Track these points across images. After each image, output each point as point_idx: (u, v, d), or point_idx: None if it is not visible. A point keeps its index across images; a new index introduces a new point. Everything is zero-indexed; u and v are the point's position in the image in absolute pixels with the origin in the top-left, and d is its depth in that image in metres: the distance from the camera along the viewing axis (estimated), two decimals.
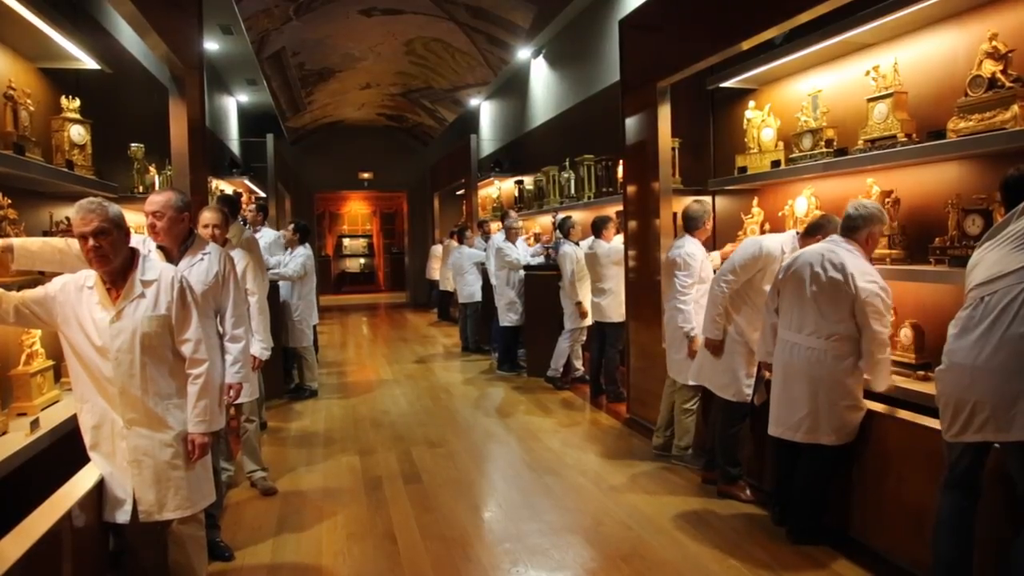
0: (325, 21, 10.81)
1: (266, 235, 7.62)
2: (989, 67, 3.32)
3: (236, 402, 3.88)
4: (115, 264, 2.65)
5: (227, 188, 10.58)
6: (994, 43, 3.32)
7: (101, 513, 2.73)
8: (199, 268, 3.40)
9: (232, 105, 12.51)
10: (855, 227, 3.55)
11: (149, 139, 5.70)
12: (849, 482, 3.66)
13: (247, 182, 11.37)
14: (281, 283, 7.19)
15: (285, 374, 7.51)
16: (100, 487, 2.72)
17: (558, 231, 8.28)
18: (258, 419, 4.74)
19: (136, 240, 3.08)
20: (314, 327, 8.07)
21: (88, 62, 4.29)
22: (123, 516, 2.72)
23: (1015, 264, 2.48)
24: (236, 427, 4.57)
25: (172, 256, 3.36)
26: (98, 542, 2.78)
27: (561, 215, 8.23)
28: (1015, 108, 3.18)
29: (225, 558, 3.61)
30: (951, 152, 3.51)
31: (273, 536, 3.93)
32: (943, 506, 2.78)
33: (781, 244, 4.21)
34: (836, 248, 3.56)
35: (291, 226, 7.52)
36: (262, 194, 12.02)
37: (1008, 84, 3.25)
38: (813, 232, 3.97)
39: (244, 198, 11.31)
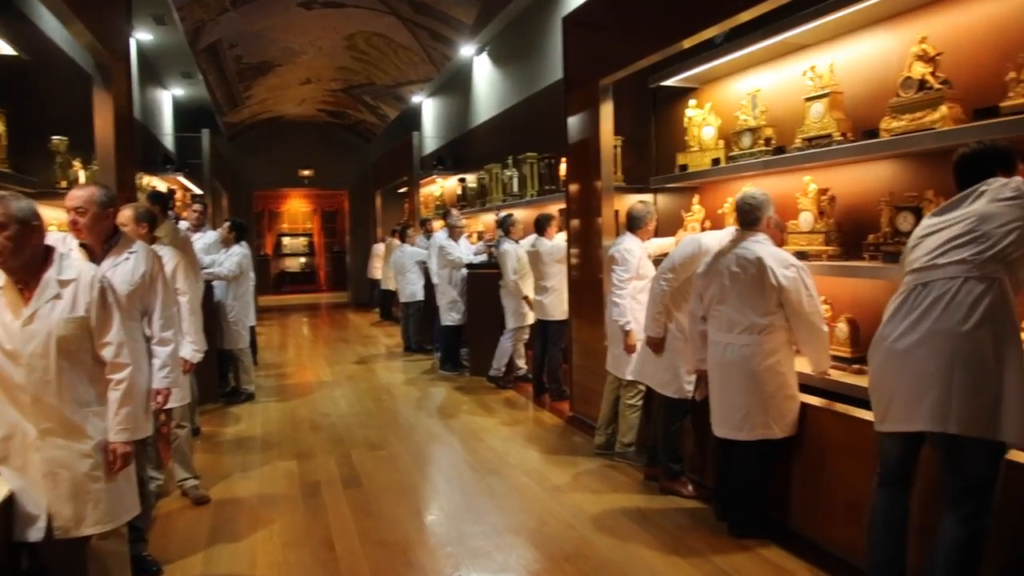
0: (264, 13, 10.55)
1: (208, 236, 7.40)
2: (919, 69, 3.38)
3: (165, 408, 3.70)
4: (18, 262, 2.48)
5: (160, 185, 10.24)
6: (923, 46, 3.39)
7: (11, 531, 2.55)
8: (124, 268, 3.24)
9: (166, 99, 12.09)
10: (755, 218, 3.69)
11: (74, 132, 5.43)
12: (788, 475, 3.71)
13: (182, 179, 11.00)
14: (216, 283, 6.96)
15: (220, 377, 7.28)
16: (9, 503, 2.53)
17: (499, 229, 8.23)
18: (190, 425, 4.57)
19: (56, 238, 2.91)
20: (251, 328, 7.86)
21: (2, 47, 4.06)
22: (36, 534, 2.54)
23: (953, 257, 2.49)
24: (166, 434, 4.39)
25: (96, 255, 3.19)
26: (8, 563, 2.60)
27: (503, 213, 8.18)
28: (943, 109, 3.25)
29: (152, 573, 3.44)
30: (884, 151, 3.57)
31: (205, 547, 3.78)
32: (877, 501, 2.82)
33: (719, 240, 4.22)
34: (747, 244, 3.66)
35: (227, 224, 7.30)
36: (198, 191, 11.66)
37: (937, 86, 3.32)
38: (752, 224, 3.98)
39: (178, 195, 10.97)
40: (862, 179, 4.02)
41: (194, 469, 4.51)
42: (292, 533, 3.97)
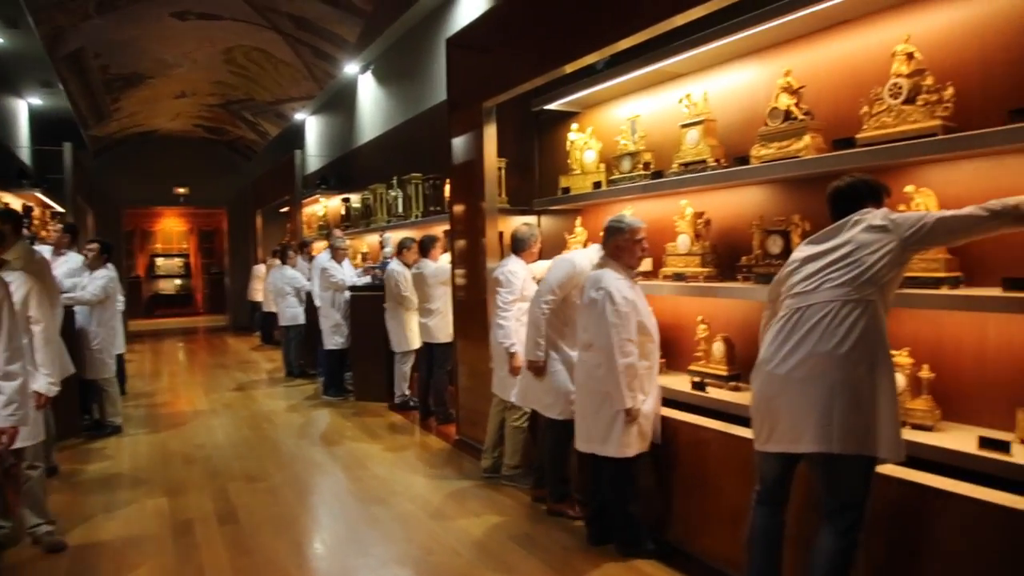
0: (132, 22, 10.03)
1: (72, 260, 6.90)
2: (785, 100, 3.56)
3: (13, 447, 3.39)
4: None
5: (14, 202, 9.51)
6: (788, 79, 3.58)
7: None
8: None
9: (22, 108, 11.25)
10: (604, 241, 3.89)
11: None
12: (669, 491, 3.78)
13: (40, 195, 10.27)
14: (77, 308, 6.49)
15: (83, 410, 6.79)
16: None
17: (385, 250, 8.14)
18: (44, 464, 4.19)
19: None
20: (119, 356, 7.38)
21: None
22: None
23: (832, 283, 2.61)
24: (16, 475, 4.01)
25: None
26: None
27: (390, 236, 8.08)
28: (807, 138, 3.43)
29: None
30: (754, 177, 3.74)
31: None
32: (755, 520, 2.91)
33: (589, 258, 4.31)
34: (601, 263, 3.86)
35: (94, 245, 6.77)
36: (59, 208, 10.92)
37: (800, 116, 3.51)
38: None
39: (36, 213, 10.23)
40: (735, 203, 4.19)
41: (48, 513, 4.13)
42: None
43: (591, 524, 3.96)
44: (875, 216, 2.63)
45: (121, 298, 7.52)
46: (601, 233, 3.93)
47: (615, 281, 3.66)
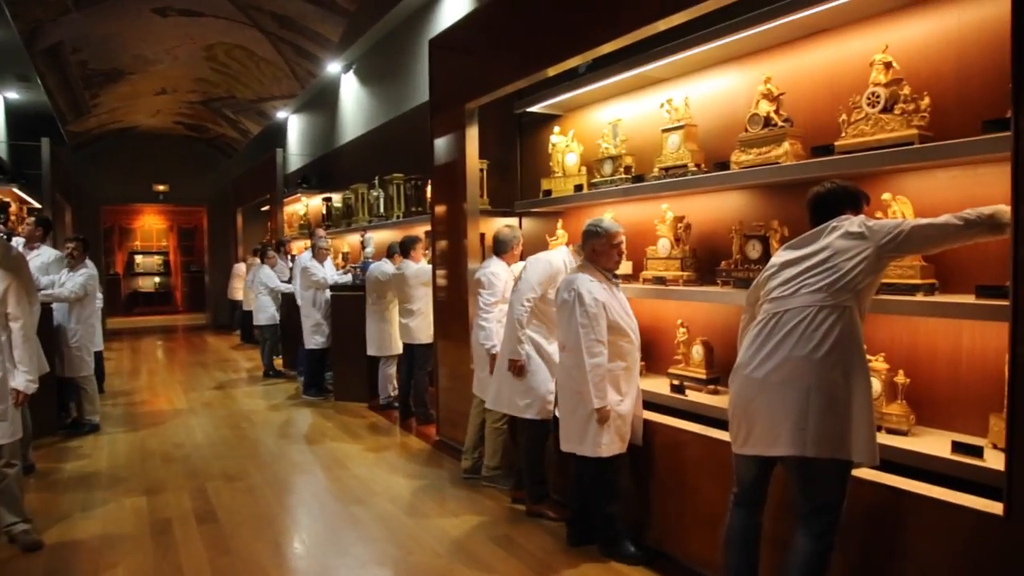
0: (112, 17, 9.94)
1: (45, 253, 6.81)
2: (765, 107, 3.61)
3: None
4: None
5: None
6: (768, 85, 3.63)
7: None
8: None
9: None
10: (582, 243, 3.92)
11: None
12: (647, 493, 3.82)
13: (17, 191, 10.14)
14: (55, 305, 6.42)
15: (60, 408, 6.72)
16: None
17: (367, 250, 8.14)
18: (21, 463, 4.14)
19: None
20: (98, 354, 7.32)
21: None
22: None
23: (809, 288, 2.65)
24: None
25: None
26: None
27: (369, 234, 8.07)
28: (786, 145, 3.48)
29: None
30: (734, 182, 3.78)
31: None
32: (732, 521, 2.94)
33: (562, 258, 4.38)
34: (579, 267, 3.89)
35: (73, 241, 6.69)
36: (36, 204, 10.79)
37: (780, 123, 3.56)
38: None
39: (12, 208, 10.10)
40: (715, 208, 4.23)
41: (24, 512, 4.09)
42: None
43: (571, 525, 3.98)
44: (852, 223, 2.67)
45: (99, 296, 7.45)
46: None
47: (587, 283, 3.70)
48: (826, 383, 2.56)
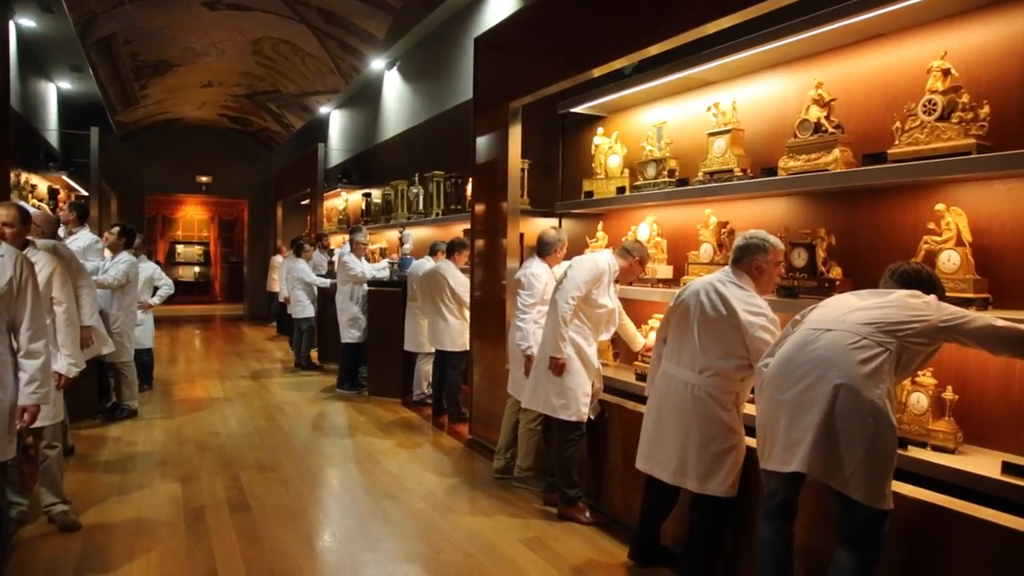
0: (163, 10, 10.13)
1: (80, 238, 6.92)
2: (815, 112, 3.53)
3: (33, 427, 3.42)
4: None
5: (41, 184, 9.62)
6: (819, 91, 3.55)
7: None
8: None
9: (51, 92, 11.38)
10: (737, 258, 3.39)
11: None
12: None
13: (66, 178, 10.39)
14: (99, 291, 6.54)
15: (100, 392, 6.85)
16: None
17: (405, 246, 8.15)
18: (61, 445, 4.22)
19: None
20: (148, 351, 7.48)
21: None
22: None
23: (861, 319, 2.60)
24: (34, 455, 4.05)
25: None
26: None
27: (408, 231, 8.09)
28: (836, 152, 3.40)
29: None
30: (781, 188, 3.71)
31: None
32: (764, 533, 2.88)
33: (607, 260, 4.33)
34: (724, 279, 3.37)
35: (115, 229, 6.85)
36: (83, 192, 11.02)
37: (831, 129, 3.47)
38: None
39: (61, 195, 10.35)
40: (760, 214, 4.16)
41: (63, 493, 4.16)
42: (171, 563, 3.72)
43: (636, 541, 3.75)
44: (920, 297, 2.63)
45: (139, 284, 7.50)
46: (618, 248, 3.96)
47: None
48: (854, 407, 2.49)
